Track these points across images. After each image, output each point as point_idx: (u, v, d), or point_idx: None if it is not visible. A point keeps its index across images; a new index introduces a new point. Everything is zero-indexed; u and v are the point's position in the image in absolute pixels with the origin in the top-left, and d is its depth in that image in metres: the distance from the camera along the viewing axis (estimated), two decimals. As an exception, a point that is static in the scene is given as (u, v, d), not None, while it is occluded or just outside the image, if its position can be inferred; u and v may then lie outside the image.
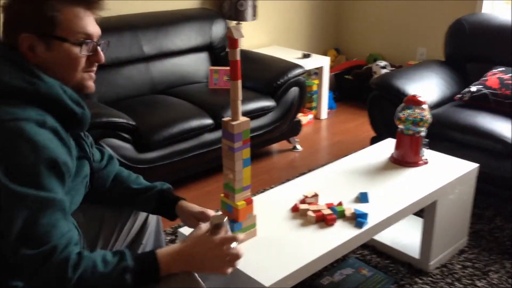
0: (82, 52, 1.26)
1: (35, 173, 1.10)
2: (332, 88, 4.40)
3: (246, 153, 1.60)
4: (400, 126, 2.21)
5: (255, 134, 3.05)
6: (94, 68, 1.34)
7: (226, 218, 1.34)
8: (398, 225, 2.43)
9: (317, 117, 4.06)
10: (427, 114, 2.17)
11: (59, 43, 1.23)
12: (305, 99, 3.34)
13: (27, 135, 1.11)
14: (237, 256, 1.29)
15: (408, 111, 2.18)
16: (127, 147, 2.52)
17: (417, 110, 2.17)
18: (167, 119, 2.68)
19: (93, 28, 1.28)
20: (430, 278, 2.15)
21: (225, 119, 1.57)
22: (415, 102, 2.18)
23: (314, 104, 4.07)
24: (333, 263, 2.25)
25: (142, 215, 1.69)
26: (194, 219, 1.57)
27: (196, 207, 1.59)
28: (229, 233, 1.34)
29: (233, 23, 3.77)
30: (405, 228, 2.41)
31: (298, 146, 3.48)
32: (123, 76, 3.02)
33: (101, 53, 1.32)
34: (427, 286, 2.10)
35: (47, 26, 1.21)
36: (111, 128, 2.42)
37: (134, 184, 1.63)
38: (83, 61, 1.28)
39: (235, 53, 1.49)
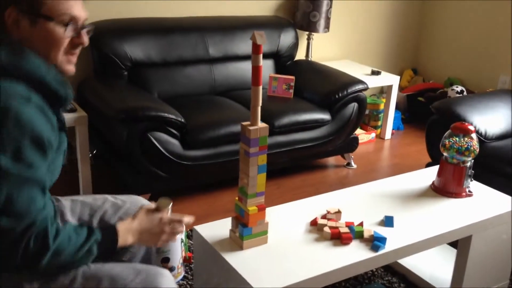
0: (66, 33, 1.29)
1: (18, 148, 1.15)
2: (402, 109, 4.27)
3: (262, 159, 1.61)
4: (444, 154, 2.10)
5: (307, 145, 3.03)
6: (77, 51, 1.36)
7: (171, 204, 1.60)
8: (432, 256, 2.32)
9: (380, 137, 3.95)
10: (475, 144, 2.05)
11: (44, 21, 1.25)
12: (363, 116, 3.26)
13: (13, 110, 1.15)
14: (173, 235, 1.54)
15: (455, 138, 2.07)
16: (174, 143, 2.61)
17: (465, 139, 2.05)
18: (217, 120, 2.74)
19: (80, 11, 1.31)
20: (457, 317, 2.02)
21: (244, 123, 1.59)
22: (463, 130, 2.06)
23: (379, 123, 3.97)
24: (356, 284, 2.19)
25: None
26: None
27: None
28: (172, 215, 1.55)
29: (304, 33, 3.79)
30: (439, 260, 2.29)
31: (353, 163, 3.41)
32: (185, 75, 3.13)
33: (85, 37, 1.34)
34: (451, 325, 1.98)
35: (34, 3, 1.24)
36: (159, 122, 2.52)
37: None
38: (66, 42, 1.30)
39: (258, 59, 1.51)
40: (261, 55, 1.50)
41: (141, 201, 1.78)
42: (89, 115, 2.69)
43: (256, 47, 1.49)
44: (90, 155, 2.80)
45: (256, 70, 1.52)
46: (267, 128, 1.58)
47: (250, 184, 1.61)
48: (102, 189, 2.86)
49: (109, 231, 1.35)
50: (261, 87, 1.54)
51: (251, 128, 1.56)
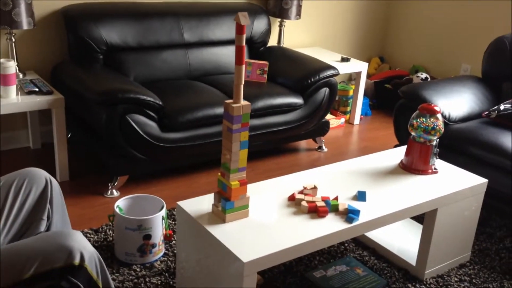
0: None
1: None
2: (370, 95, 4.41)
3: (244, 135, 1.69)
4: (412, 133, 2.23)
5: (280, 128, 3.13)
6: None
7: None
8: (400, 230, 2.45)
9: (349, 122, 4.08)
10: (440, 124, 2.18)
11: None
12: (334, 101, 3.37)
13: None
14: None
15: (422, 119, 2.19)
16: (152, 125, 2.65)
17: (431, 119, 2.18)
18: (194, 103, 2.80)
19: None
20: (423, 286, 2.15)
21: (227, 101, 1.66)
22: (429, 110, 2.20)
23: (348, 109, 4.10)
24: (330, 258, 2.30)
25: (39, 184, 1.65)
26: None
27: None
28: None
29: (277, 20, 3.87)
30: (406, 234, 2.42)
31: (324, 147, 3.53)
32: (161, 59, 3.16)
33: None
34: (418, 293, 2.12)
35: None
36: (138, 104, 2.56)
37: None
38: None
39: (241, 39, 1.58)
40: (244, 35, 1.57)
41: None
42: (65, 99, 2.71)
43: (239, 27, 1.57)
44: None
45: (239, 49, 1.59)
46: (249, 105, 1.66)
47: (232, 160, 1.69)
48: (78, 172, 2.90)
49: None
50: (244, 66, 1.61)
51: (234, 105, 1.63)
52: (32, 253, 1.31)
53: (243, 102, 1.66)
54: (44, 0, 2.97)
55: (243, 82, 1.63)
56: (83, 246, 1.35)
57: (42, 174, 1.66)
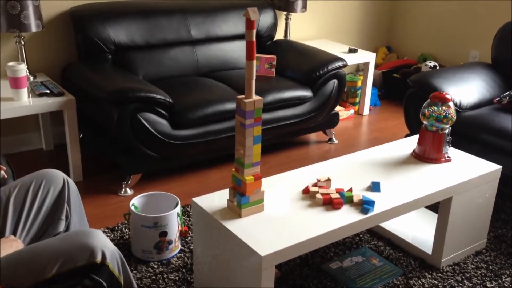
0: None
1: None
2: (379, 85, 4.39)
3: (257, 130, 1.70)
4: (424, 122, 2.22)
5: (290, 122, 3.13)
6: None
7: None
8: (415, 220, 2.45)
9: (359, 113, 4.07)
10: (452, 112, 2.17)
11: None
12: (343, 93, 3.36)
13: None
14: None
15: (434, 107, 2.19)
16: (163, 123, 2.67)
17: (443, 107, 2.18)
18: (204, 100, 2.81)
19: None
20: (440, 274, 2.16)
21: (239, 96, 1.66)
22: (440, 98, 2.19)
23: (357, 100, 4.09)
24: (345, 250, 2.31)
25: (57, 184, 1.67)
26: None
27: None
28: None
29: (283, 14, 3.86)
30: (421, 223, 2.42)
31: (334, 139, 3.52)
32: (169, 56, 3.17)
33: None
34: (435, 281, 2.11)
35: None
36: (148, 103, 2.58)
37: None
38: None
39: (251, 34, 1.58)
40: (254, 30, 1.58)
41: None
42: (76, 99, 2.73)
43: (249, 23, 1.57)
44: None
45: (250, 44, 1.59)
46: (261, 100, 1.66)
47: (246, 155, 1.70)
48: (91, 172, 2.92)
49: None
50: (255, 61, 1.61)
51: (246, 100, 1.64)
52: (54, 252, 1.33)
53: (255, 97, 1.66)
54: (51, 1, 2.98)
55: (254, 77, 1.63)
56: (104, 245, 1.37)
57: (59, 175, 1.67)
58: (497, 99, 2.83)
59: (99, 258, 1.34)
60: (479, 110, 2.81)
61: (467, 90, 2.90)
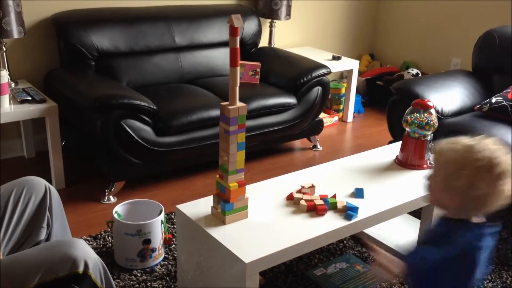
0: None
1: None
2: (362, 92, 4.43)
3: (241, 137, 1.70)
4: (407, 129, 2.25)
5: (274, 128, 3.14)
6: None
7: None
8: (397, 226, 2.47)
9: (343, 120, 4.10)
10: (434, 119, 2.20)
11: None
12: (327, 100, 3.39)
13: None
14: None
15: (416, 114, 2.21)
16: (147, 130, 2.65)
17: (425, 114, 2.20)
18: (188, 107, 2.81)
19: None
20: (423, 280, 2.17)
21: (223, 103, 1.67)
22: (422, 105, 2.21)
23: (341, 107, 4.11)
24: (329, 256, 2.31)
25: (38, 192, 1.65)
26: None
27: None
28: None
29: (267, 21, 3.88)
30: (404, 229, 2.44)
31: (318, 145, 3.54)
32: (153, 63, 3.17)
33: None
34: (418, 287, 2.13)
35: None
36: (132, 109, 2.56)
37: None
38: None
39: (235, 41, 1.59)
40: (238, 37, 1.58)
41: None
42: (58, 106, 2.71)
43: (233, 30, 1.58)
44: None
45: (233, 51, 1.60)
46: (245, 107, 1.67)
47: (230, 161, 1.70)
48: (74, 180, 2.89)
49: None
50: (238, 68, 1.62)
51: (230, 107, 1.64)
52: (36, 263, 1.31)
53: (239, 104, 1.66)
54: (34, 8, 2.96)
55: (238, 84, 1.64)
56: (87, 255, 1.35)
57: (41, 182, 1.66)
58: (478, 106, 2.87)
59: (81, 268, 1.33)
60: (461, 117, 2.85)
61: (448, 97, 2.94)
